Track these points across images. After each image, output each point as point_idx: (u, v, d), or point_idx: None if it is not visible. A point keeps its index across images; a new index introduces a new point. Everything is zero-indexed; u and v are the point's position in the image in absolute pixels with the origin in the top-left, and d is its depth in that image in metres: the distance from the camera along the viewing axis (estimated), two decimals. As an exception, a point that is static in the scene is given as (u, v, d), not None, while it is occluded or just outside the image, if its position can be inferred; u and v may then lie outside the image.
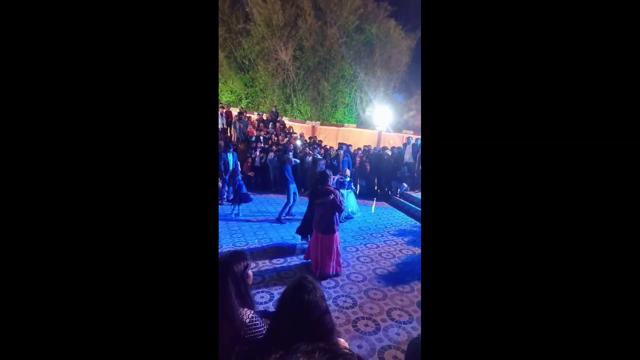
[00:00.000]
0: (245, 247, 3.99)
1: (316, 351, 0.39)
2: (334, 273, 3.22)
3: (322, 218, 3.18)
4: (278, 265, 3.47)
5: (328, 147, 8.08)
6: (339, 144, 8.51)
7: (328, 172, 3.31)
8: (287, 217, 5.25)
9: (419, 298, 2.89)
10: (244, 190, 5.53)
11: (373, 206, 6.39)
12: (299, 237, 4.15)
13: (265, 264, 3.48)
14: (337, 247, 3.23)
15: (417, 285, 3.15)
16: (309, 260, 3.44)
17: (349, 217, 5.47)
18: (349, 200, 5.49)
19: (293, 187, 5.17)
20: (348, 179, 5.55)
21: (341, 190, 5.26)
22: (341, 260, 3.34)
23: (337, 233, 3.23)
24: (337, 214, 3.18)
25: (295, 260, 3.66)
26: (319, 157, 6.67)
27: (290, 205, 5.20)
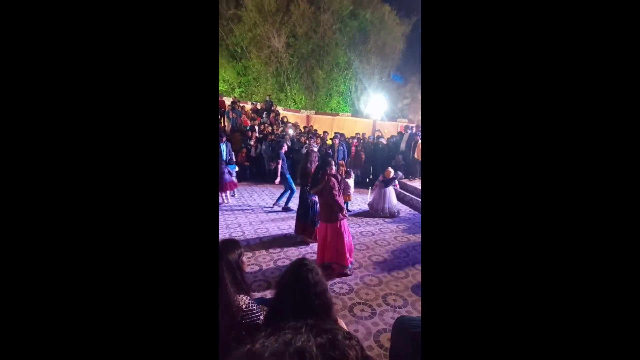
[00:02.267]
0: (242, 238, 4.00)
1: (303, 326, 0.40)
2: (343, 265, 2.99)
3: (323, 206, 3.06)
4: (275, 255, 3.50)
5: (322, 134, 8.00)
6: (324, 133, 8.46)
7: (329, 159, 3.17)
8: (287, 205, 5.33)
9: (414, 283, 2.95)
10: (227, 178, 5.38)
11: (368, 195, 6.42)
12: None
13: (262, 254, 3.50)
14: (343, 237, 2.98)
15: (412, 271, 3.21)
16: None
17: (393, 215, 5.17)
18: (391, 197, 5.24)
19: (290, 178, 5.21)
20: (392, 175, 5.23)
21: (385, 188, 5.10)
22: (349, 253, 3.07)
23: (343, 221, 2.99)
24: (338, 200, 2.96)
25: (293, 250, 3.69)
26: (314, 147, 6.59)
27: (294, 192, 5.22)
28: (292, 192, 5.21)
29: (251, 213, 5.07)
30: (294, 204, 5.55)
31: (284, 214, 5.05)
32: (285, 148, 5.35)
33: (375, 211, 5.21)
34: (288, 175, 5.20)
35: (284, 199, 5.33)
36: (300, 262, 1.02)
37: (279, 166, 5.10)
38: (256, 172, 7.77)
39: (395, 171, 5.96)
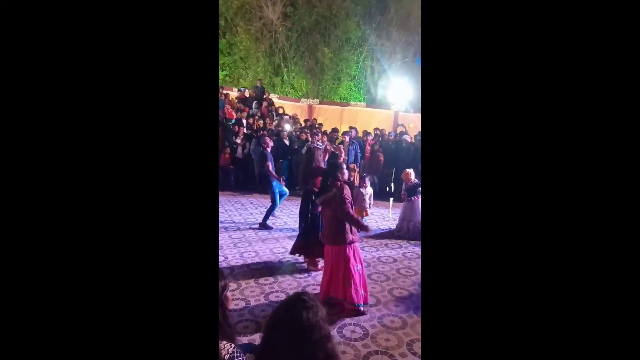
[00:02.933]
0: (224, 264, 4.00)
1: None
2: (353, 303, 2.95)
3: (329, 222, 3.04)
4: (267, 287, 3.49)
5: (331, 132, 7.99)
6: (333, 130, 8.42)
7: (340, 162, 3.17)
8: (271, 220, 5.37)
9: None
10: None
11: (390, 209, 6.40)
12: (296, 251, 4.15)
13: (249, 286, 3.49)
14: (354, 265, 2.97)
15: (446, 310, 3.17)
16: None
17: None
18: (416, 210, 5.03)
19: (277, 185, 5.24)
20: (414, 180, 4.96)
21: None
22: (362, 287, 3.02)
23: (354, 245, 3.00)
24: (349, 212, 2.90)
25: (290, 280, 3.68)
26: (319, 144, 6.59)
27: (275, 207, 5.30)
28: (274, 206, 5.25)
29: (236, 232, 5.08)
30: (278, 219, 5.57)
31: (277, 233, 5.06)
32: (270, 144, 5.36)
33: (400, 230, 5.14)
34: (275, 183, 5.21)
35: (272, 212, 5.38)
36: (297, 298, 1.01)
37: (271, 169, 5.13)
38: (243, 178, 7.81)
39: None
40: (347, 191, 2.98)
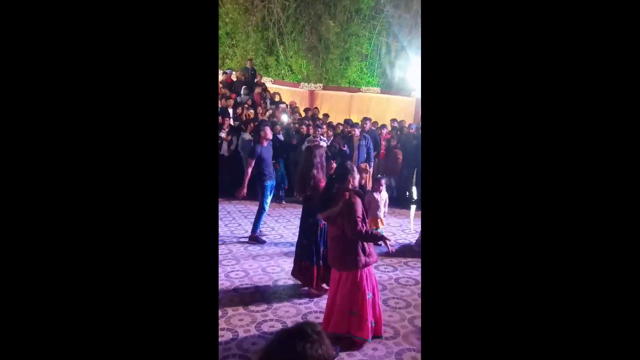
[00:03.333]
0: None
1: None
2: (358, 336, 2.96)
3: (336, 242, 2.96)
4: (259, 315, 3.50)
5: (342, 127, 7.90)
6: (346, 122, 8.37)
7: (349, 164, 3.14)
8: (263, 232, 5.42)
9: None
10: None
11: (411, 219, 6.41)
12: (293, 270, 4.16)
13: (238, 313, 3.51)
14: (365, 294, 2.92)
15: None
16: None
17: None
18: None
19: (270, 184, 5.26)
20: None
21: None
22: (374, 318, 3.02)
23: (367, 269, 2.97)
24: (361, 228, 2.84)
25: (287, 307, 3.69)
26: (323, 141, 6.60)
27: (264, 213, 5.34)
28: (263, 211, 5.29)
29: (221, 246, 5.10)
30: (272, 231, 5.59)
31: (271, 247, 5.07)
32: (268, 136, 5.28)
33: (420, 244, 5.16)
34: (267, 183, 5.21)
35: (262, 219, 5.41)
36: (298, 327, 1.02)
37: (249, 169, 5.10)
38: (230, 181, 7.82)
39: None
40: (357, 206, 2.89)
